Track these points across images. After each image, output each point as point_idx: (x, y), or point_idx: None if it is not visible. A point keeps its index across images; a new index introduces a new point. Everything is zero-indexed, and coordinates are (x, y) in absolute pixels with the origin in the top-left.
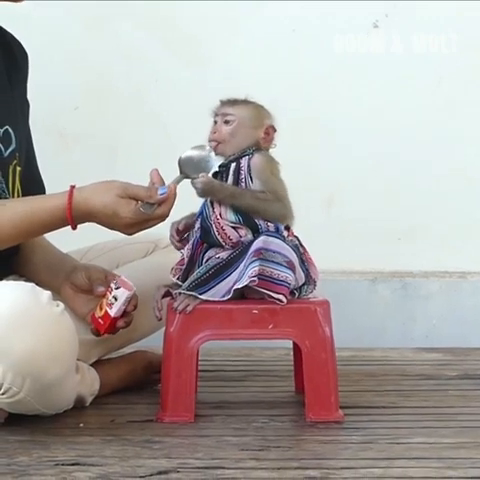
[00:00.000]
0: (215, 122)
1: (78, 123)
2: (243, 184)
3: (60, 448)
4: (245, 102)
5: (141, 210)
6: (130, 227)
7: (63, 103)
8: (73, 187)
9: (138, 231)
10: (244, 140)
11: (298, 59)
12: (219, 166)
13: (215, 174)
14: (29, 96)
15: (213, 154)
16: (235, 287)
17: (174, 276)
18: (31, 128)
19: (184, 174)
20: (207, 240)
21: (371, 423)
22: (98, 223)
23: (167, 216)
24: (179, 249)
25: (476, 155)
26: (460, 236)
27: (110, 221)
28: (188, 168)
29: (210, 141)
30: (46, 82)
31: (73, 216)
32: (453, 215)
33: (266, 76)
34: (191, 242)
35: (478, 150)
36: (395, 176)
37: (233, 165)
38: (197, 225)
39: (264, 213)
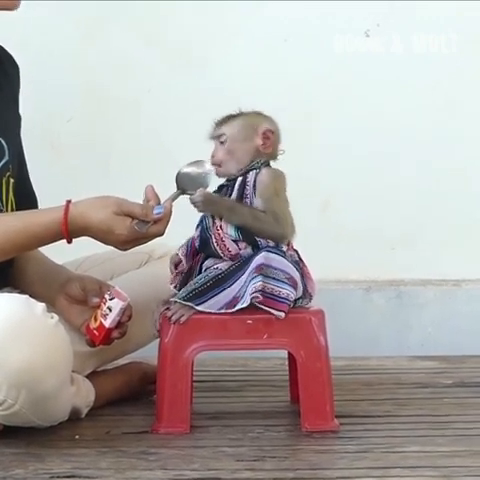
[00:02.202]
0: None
1: (71, 134)
2: (248, 200)
3: (56, 460)
4: (233, 117)
5: (136, 228)
6: (125, 244)
7: (56, 114)
8: (69, 202)
9: (133, 247)
10: (242, 155)
11: (293, 64)
12: (227, 180)
13: (221, 187)
14: (21, 108)
15: (211, 169)
16: (238, 307)
17: (173, 284)
18: (24, 140)
19: (181, 190)
20: (205, 251)
21: (367, 432)
22: (93, 238)
23: (162, 234)
24: (171, 284)
25: (474, 162)
26: (455, 244)
27: (105, 237)
28: (186, 184)
29: (212, 165)
30: (39, 94)
31: (69, 231)
32: (447, 223)
33: (262, 82)
34: (187, 247)
35: (476, 155)
36: (390, 184)
37: (239, 179)
38: (196, 234)
39: (260, 232)
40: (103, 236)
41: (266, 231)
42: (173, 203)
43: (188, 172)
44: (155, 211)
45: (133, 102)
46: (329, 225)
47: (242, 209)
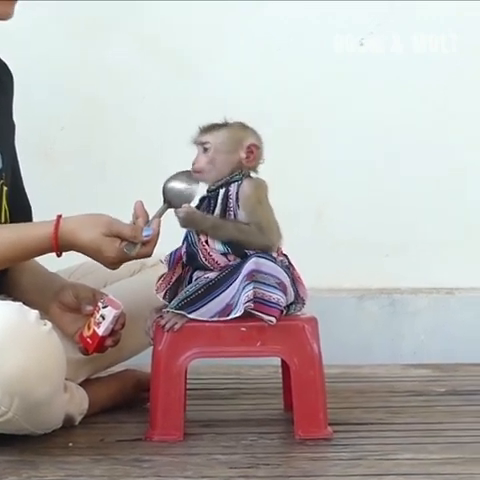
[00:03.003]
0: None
1: (65, 143)
2: (231, 213)
3: (49, 468)
4: (220, 127)
5: (125, 251)
6: (113, 264)
7: (49, 123)
8: (60, 217)
9: (120, 265)
10: (224, 166)
11: (290, 68)
12: (208, 190)
13: (202, 199)
14: (15, 116)
15: (196, 183)
16: (232, 316)
17: (157, 290)
18: (19, 148)
19: (167, 204)
20: (193, 264)
21: (360, 440)
22: (82, 254)
23: (150, 255)
24: (157, 292)
25: (470, 167)
26: (447, 252)
27: (93, 256)
28: (171, 197)
29: (192, 171)
30: (32, 102)
31: (58, 245)
32: (440, 231)
33: (257, 87)
34: (170, 256)
35: (473, 161)
36: (384, 192)
37: (222, 192)
38: (183, 250)
39: (247, 244)
40: (92, 255)
41: (253, 243)
42: (161, 218)
43: (173, 186)
44: (144, 233)
45: (127, 109)
46: (322, 234)
47: (226, 224)
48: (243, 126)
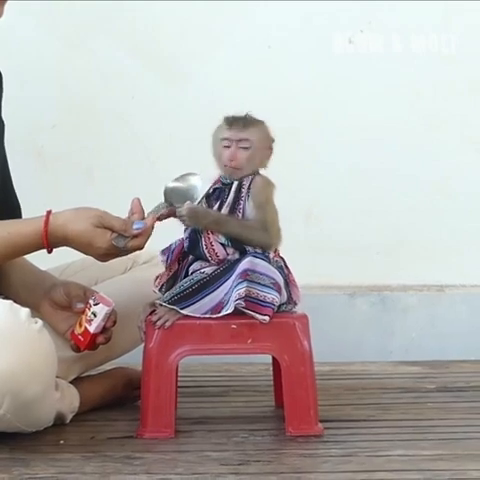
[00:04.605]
0: (227, 146)
1: (56, 141)
2: (242, 202)
3: (40, 465)
4: (254, 123)
5: (113, 243)
6: (104, 256)
7: (40, 121)
8: (49, 212)
9: (112, 259)
10: (259, 162)
11: (276, 73)
12: (223, 183)
13: (213, 191)
14: (5, 115)
15: (198, 184)
16: (223, 313)
17: (157, 287)
18: (9, 147)
19: (168, 203)
20: (193, 252)
21: (351, 436)
22: (73, 248)
23: (142, 248)
24: (155, 285)
25: (461, 168)
26: (438, 250)
27: (85, 249)
28: (173, 198)
29: (227, 167)
30: (23, 101)
31: (49, 241)
32: (431, 229)
33: (251, 88)
34: (173, 250)
35: (464, 162)
36: (374, 191)
37: (236, 183)
38: (185, 236)
39: (248, 241)
40: (83, 248)
41: (254, 240)
42: (157, 215)
43: (175, 187)
44: (134, 226)
45: (117, 109)
46: (313, 232)
47: (229, 220)
48: (263, 121)
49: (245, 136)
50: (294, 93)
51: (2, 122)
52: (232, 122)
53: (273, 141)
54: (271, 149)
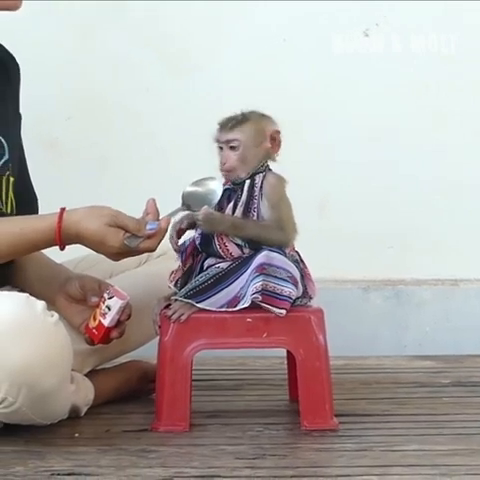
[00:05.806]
0: (220, 148)
1: (70, 133)
2: (256, 201)
3: (56, 458)
4: (243, 121)
5: (125, 243)
6: (116, 255)
7: (55, 113)
8: (63, 209)
9: (124, 258)
10: (254, 160)
11: (290, 65)
12: (234, 184)
13: (225, 191)
14: (21, 107)
15: (217, 188)
16: (239, 307)
17: (172, 282)
18: (24, 139)
19: (186, 207)
20: (206, 250)
21: (366, 431)
22: (86, 246)
23: (154, 250)
24: (177, 251)
25: (471, 162)
26: (452, 243)
27: (97, 247)
28: (191, 202)
29: (222, 171)
30: (38, 93)
31: (62, 238)
32: (445, 223)
33: (259, 83)
34: (186, 247)
35: (473, 156)
36: (387, 184)
37: (248, 182)
38: (197, 233)
39: (266, 241)
40: (95, 246)
41: (272, 240)
42: (172, 218)
43: (194, 191)
44: (148, 227)
45: (130, 101)
46: (327, 225)
47: (246, 223)
48: (260, 115)
49: (232, 136)
50: (304, 81)
51: (19, 115)
52: (221, 124)
53: (276, 133)
54: (273, 141)
